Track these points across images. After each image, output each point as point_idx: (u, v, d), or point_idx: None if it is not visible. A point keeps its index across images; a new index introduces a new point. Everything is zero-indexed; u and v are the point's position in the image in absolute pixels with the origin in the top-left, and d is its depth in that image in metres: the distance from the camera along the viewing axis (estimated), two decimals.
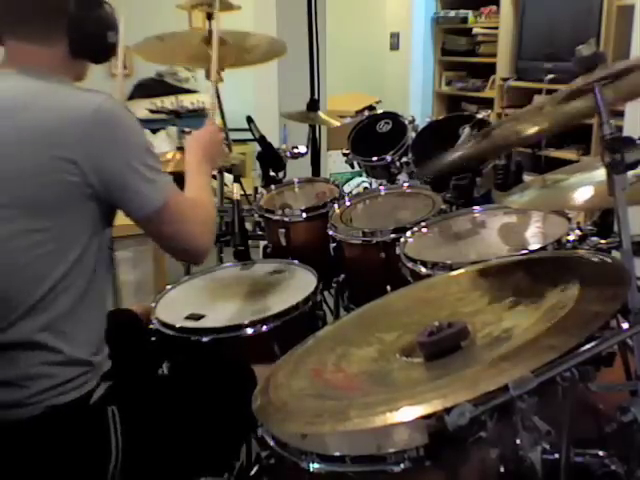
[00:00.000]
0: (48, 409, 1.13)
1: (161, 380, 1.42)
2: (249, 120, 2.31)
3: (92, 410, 1.18)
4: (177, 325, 1.51)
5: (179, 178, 2.32)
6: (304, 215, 2.08)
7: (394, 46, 5.98)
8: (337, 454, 0.96)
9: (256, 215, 2.20)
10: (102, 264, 1.21)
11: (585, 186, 1.27)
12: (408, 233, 1.75)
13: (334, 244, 1.95)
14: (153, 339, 1.53)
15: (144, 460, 1.20)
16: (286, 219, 2.09)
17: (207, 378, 1.35)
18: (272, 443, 1.02)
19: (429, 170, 2.03)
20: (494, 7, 4.81)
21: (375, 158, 2.38)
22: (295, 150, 2.41)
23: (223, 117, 2.62)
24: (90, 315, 1.19)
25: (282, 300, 1.58)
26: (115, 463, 1.14)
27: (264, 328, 1.48)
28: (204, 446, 1.25)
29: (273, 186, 2.34)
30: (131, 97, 5.33)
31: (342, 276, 1.99)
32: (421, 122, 2.43)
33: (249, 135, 2.36)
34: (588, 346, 0.81)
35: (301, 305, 1.56)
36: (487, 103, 4.83)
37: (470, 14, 5.01)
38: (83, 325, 1.17)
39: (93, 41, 1.25)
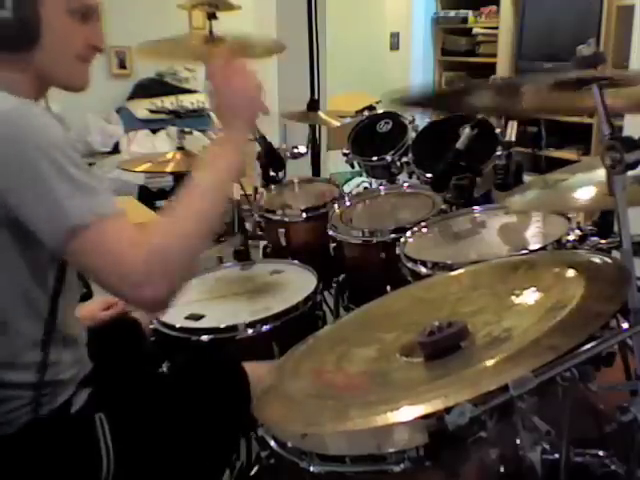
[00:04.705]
0: (25, 426, 1.09)
1: (151, 383, 1.37)
2: None
3: (76, 419, 1.15)
4: (177, 325, 1.51)
5: (179, 178, 2.33)
6: (304, 215, 2.08)
7: (394, 46, 5.98)
8: (337, 454, 0.96)
9: (256, 215, 2.20)
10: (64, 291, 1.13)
11: (587, 186, 1.27)
12: (408, 233, 1.75)
13: (334, 244, 1.95)
14: (153, 339, 1.53)
15: (138, 467, 1.16)
16: (286, 219, 2.09)
17: (201, 380, 1.32)
18: (272, 443, 1.02)
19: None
20: (494, 7, 4.81)
21: (375, 158, 2.38)
22: (295, 150, 2.41)
23: None
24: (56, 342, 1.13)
25: (282, 300, 1.58)
26: (107, 471, 1.11)
27: (264, 328, 1.48)
28: (199, 448, 1.23)
29: (273, 186, 2.34)
30: (131, 97, 5.33)
31: (342, 276, 1.99)
32: (421, 122, 2.43)
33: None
34: (588, 346, 0.81)
35: (301, 305, 1.56)
36: None
37: (470, 14, 5.02)
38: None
39: None
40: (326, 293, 2.04)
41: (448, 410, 0.76)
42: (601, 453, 1.03)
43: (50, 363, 1.12)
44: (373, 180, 2.59)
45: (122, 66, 5.29)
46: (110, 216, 1.00)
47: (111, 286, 1.01)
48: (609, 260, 1.01)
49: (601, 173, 1.03)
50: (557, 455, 0.94)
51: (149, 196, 4.66)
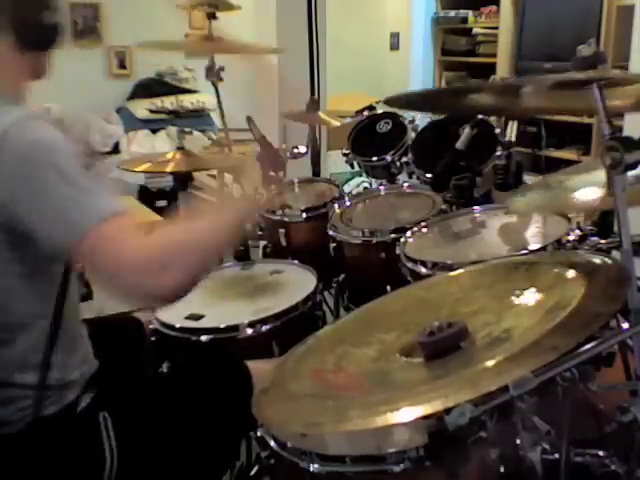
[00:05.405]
0: (31, 424, 1.11)
1: (155, 382, 1.39)
2: (249, 120, 2.31)
3: (81, 418, 1.16)
4: (177, 325, 1.51)
5: (179, 178, 2.34)
6: (304, 215, 2.08)
7: (394, 46, 5.98)
8: (337, 454, 0.96)
9: (256, 215, 2.20)
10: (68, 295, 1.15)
11: (591, 187, 1.26)
12: (408, 233, 1.75)
13: (334, 244, 1.95)
14: (153, 339, 1.53)
15: (141, 464, 1.18)
16: (286, 219, 2.09)
17: (204, 378, 1.33)
18: (272, 443, 1.02)
19: None
20: (494, 7, 4.80)
21: (375, 158, 2.38)
22: (295, 150, 2.41)
23: (223, 117, 2.62)
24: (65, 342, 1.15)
25: (282, 300, 1.58)
26: (110, 469, 1.12)
27: (264, 328, 1.48)
28: (202, 447, 1.24)
29: (273, 186, 2.34)
30: (131, 97, 5.33)
31: (342, 276, 1.99)
32: (421, 122, 2.43)
33: (249, 135, 2.36)
34: (588, 346, 0.81)
35: (301, 305, 1.56)
36: None
37: (470, 14, 5.01)
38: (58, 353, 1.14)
39: (32, 25, 1.12)
40: (326, 293, 2.04)
41: (448, 410, 0.76)
42: (601, 453, 1.03)
43: (56, 365, 1.14)
44: (373, 180, 2.59)
45: (122, 66, 5.28)
46: (114, 215, 1.03)
47: (118, 279, 1.03)
48: (609, 260, 1.01)
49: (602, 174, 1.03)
50: (557, 455, 0.94)
51: (149, 196, 4.66)
